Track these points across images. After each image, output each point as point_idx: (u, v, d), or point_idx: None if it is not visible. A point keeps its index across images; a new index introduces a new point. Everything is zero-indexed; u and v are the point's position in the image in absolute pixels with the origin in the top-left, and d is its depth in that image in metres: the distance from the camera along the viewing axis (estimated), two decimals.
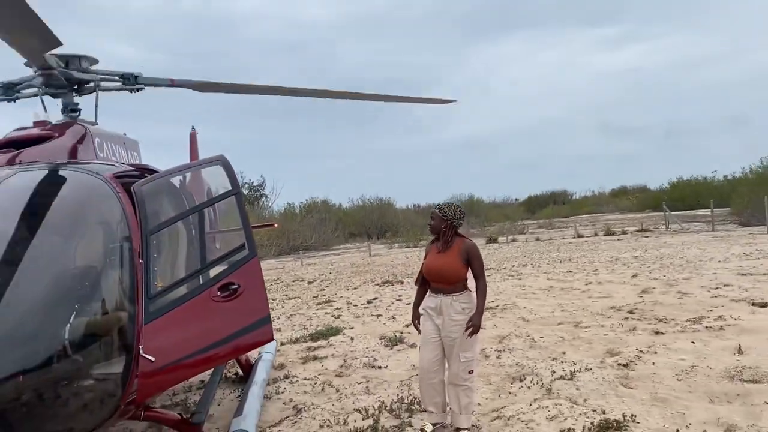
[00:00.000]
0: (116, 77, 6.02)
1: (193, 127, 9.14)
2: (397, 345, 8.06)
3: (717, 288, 10.20)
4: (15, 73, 6.07)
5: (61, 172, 4.09)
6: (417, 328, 4.88)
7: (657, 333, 7.52)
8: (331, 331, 9.29)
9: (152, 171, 5.12)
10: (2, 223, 3.51)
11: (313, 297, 13.96)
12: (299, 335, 9.24)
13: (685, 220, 32.26)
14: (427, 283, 4.82)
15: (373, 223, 49.01)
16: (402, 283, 15.27)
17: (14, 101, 6.08)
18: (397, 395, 5.79)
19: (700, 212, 37.37)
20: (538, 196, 71.53)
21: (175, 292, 3.92)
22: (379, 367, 7.00)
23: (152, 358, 3.58)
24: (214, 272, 4.11)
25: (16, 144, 4.72)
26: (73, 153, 4.90)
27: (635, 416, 4.71)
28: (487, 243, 29.25)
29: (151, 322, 3.67)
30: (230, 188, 4.37)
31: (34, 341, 3.15)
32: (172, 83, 6.11)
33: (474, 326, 4.50)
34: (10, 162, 4.35)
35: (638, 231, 28.21)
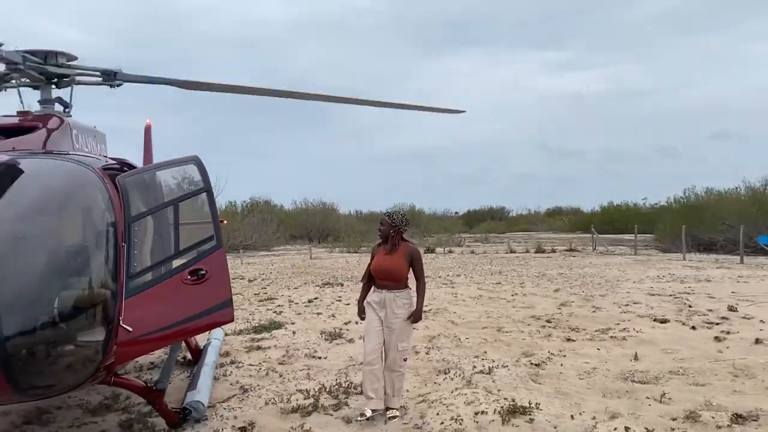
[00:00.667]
0: (97, 73, 6.42)
1: (148, 119, 9.55)
2: (336, 339, 8.71)
3: (627, 305, 11.31)
4: None
5: (55, 162, 4.58)
6: (362, 317, 5.50)
7: (569, 340, 8.45)
8: (273, 325, 9.86)
9: (130, 164, 5.64)
10: (1, 205, 3.98)
11: (255, 294, 14.43)
12: (242, 328, 9.76)
13: (612, 243, 34.21)
14: (372, 280, 5.47)
15: (315, 226, 49.31)
16: (342, 285, 15.92)
17: (4, 90, 6.38)
18: (336, 380, 6.46)
19: (627, 236, 39.49)
20: (477, 211, 73.48)
21: (152, 273, 4.49)
22: (319, 358, 7.65)
23: (130, 329, 4.13)
24: (185, 259, 4.68)
25: (4, 132, 5.15)
26: (54, 143, 5.37)
27: (539, 404, 5.52)
28: (425, 253, 30.22)
29: (130, 298, 4.22)
30: (202, 186, 4.96)
31: (30, 309, 3.65)
32: (151, 80, 6.56)
33: (415, 317, 5.33)
34: (5, 148, 4.79)
35: (567, 250, 29.78)
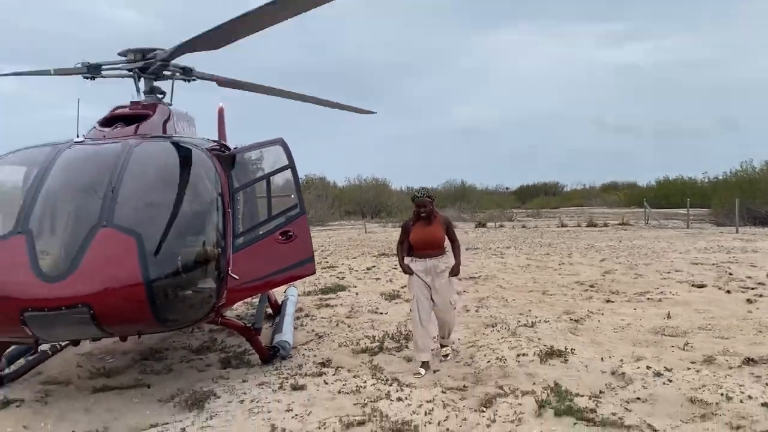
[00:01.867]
0: (179, 69, 7.45)
1: (220, 104, 10.65)
2: (394, 299, 9.73)
3: (669, 272, 11.90)
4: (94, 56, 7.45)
5: (176, 144, 5.67)
6: (410, 272, 6.02)
7: (608, 301, 9.21)
8: (338, 288, 10.96)
9: (226, 145, 6.72)
10: (138, 180, 5.06)
11: (317, 263, 15.56)
12: (311, 290, 10.89)
13: (666, 218, 34.05)
14: (411, 251, 6.07)
15: (368, 202, 50.44)
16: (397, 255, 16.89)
17: (92, 79, 7.48)
18: (397, 330, 7.46)
19: (682, 211, 39.13)
20: (529, 186, 73.19)
21: (252, 234, 5.56)
22: (381, 313, 8.68)
23: (236, 277, 5.21)
24: (276, 222, 5.74)
25: (125, 119, 6.27)
26: (164, 128, 6.48)
27: (574, 350, 6.36)
28: (476, 227, 30.98)
29: (236, 252, 5.31)
30: (287, 163, 5.99)
31: (167, 261, 4.72)
32: (217, 80, 7.61)
33: (454, 271, 6.04)
34: (130, 133, 5.91)
35: (619, 224, 29.97)
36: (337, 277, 12.61)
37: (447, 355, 6.29)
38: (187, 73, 7.54)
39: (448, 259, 6.02)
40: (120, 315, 4.42)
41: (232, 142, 9.26)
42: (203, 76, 7.73)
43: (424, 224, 5.93)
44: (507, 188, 71.86)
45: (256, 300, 8.74)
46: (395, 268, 13.94)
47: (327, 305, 9.41)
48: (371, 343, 6.88)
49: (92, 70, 7.15)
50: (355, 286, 11.29)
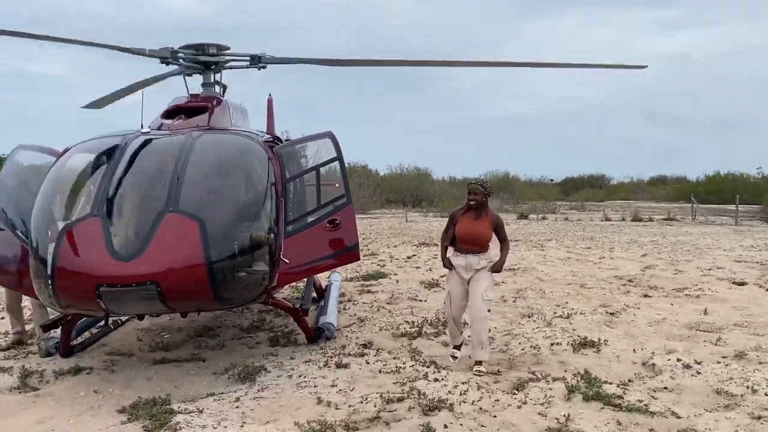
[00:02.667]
0: (246, 58, 7.84)
1: (269, 95, 11.08)
2: (434, 288, 10.06)
3: (710, 269, 11.88)
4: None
5: (234, 136, 6.09)
6: (447, 264, 5.89)
7: (645, 296, 9.33)
8: (379, 275, 11.33)
9: (278, 137, 7.12)
10: (200, 170, 5.48)
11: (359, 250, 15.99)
12: (352, 276, 11.28)
13: (714, 213, 33.33)
14: (454, 243, 5.82)
15: (409, 191, 50.60)
16: (437, 245, 17.15)
17: (167, 64, 7.86)
18: (435, 316, 7.78)
19: (731, 207, 38.27)
20: (574, 179, 72.17)
21: (302, 221, 5.96)
22: (420, 300, 9.01)
23: (287, 261, 5.61)
24: (324, 211, 6.12)
25: (185, 111, 6.72)
26: (220, 120, 6.91)
27: (607, 341, 6.57)
28: (518, 219, 30.97)
29: (287, 238, 5.71)
30: (335, 155, 6.34)
31: (224, 243, 5.13)
32: (291, 61, 7.90)
33: (497, 267, 5.75)
34: (192, 125, 6.35)
35: (664, 219, 29.52)
36: (378, 265, 12.98)
37: (480, 372, 5.55)
38: (256, 61, 7.83)
39: (490, 256, 5.78)
40: (183, 292, 4.86)
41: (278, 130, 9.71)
42: (277, 61, 7.96)
43: (473, 218, 5.70)
44: (551, 180, 71.07)
45: (299, 284, 9.19)
46: (435, 258, 14.24)
47: (368, 291, 9.79)
48: (410, 328, 7.22)
49: (173, 56, 7.48)
50: (396, 274, 11.64)
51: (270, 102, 11.00)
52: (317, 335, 6.61)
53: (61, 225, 5.02)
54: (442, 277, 11.13)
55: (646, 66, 8.46)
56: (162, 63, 7.65)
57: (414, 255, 14.84)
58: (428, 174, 56.55)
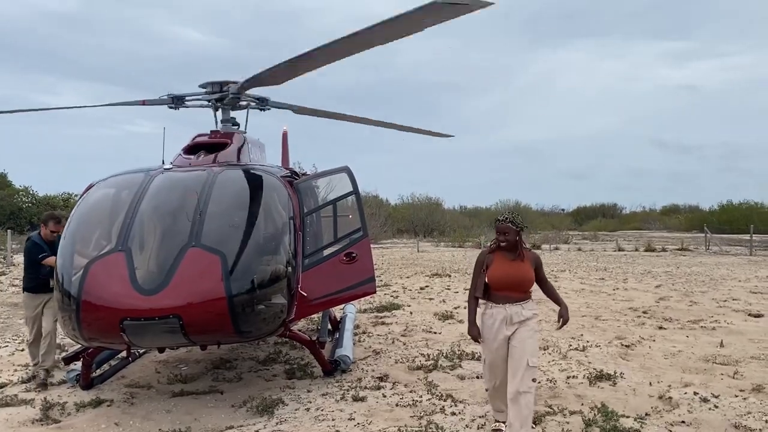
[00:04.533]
0: (254, 99, 8.07)
1: (284, 128, 11.32)
2: (448, 320, 10.07)
3: (726, 301, 11.83)
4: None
5: (254, 172, 6.25)
6: (478, 340, 4.75)
7: (661, 328, 9.31)
8: (393, 306, 11.38)
9: (296, 172, 7.29)
10: (221, 205, 5.63)
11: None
12: (366, 308, 11.33)
13: (728, 243, 33.15)
14: (487, 294, 4.71)
15: (421, 221, 50.78)
16: (450, 276, 17.24)
17: (176, 109, 8.18)
18: (451, 349, 7.80)
19: (746, 237, 38.07)
20: (586, 208, 72.13)
21: (320, 254, 6.06)
22: (435, 332, 9.04)
23: (305, 294, 5.71)
24: (341, 244, 6.23)
25: (206, 147, 6.90)
26: (241, 155, 7.08)
27: (623, 374, 6.57)
28: (530, 249, 30.91)
29: (305, 271, 5.81)
30: (352, 189, 6.48)
31: (245, 278, 5.24)
32: (292, 108, 8.19)
33: (565, 319, 4.79)
34: (213, 161, 6.52)
35: (678, 250, 29.38)
36: (392, 296, 13.03)
37: None
38: (263, 103, 8.13)
39: (533, 306, 4.71)
40: (205, 326, 4.96)
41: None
42: (279, 105, 8.31)
43: (508, 258, 4.65)
44: (563, 209, 71.05)
45: (314, 316, 9.26)
46: (448, 289, 14.28)
47: (383, 323, 9.83)
48: (426, 360, 7.25)
49: (176, 101, 7.84)
50: (409, 305, 11.68)
51: (285, 135, 11.23)
52: (333, 368, 6.66)
53: (86, 260, 5.15)
54: (456, 308, 11.17)
55: (453, 136, 10.16)
56: (170, 109, 7.89)
57: (427, 286, 14.88)
58: (439, 204, 56.81)
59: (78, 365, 6.39)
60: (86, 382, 6.33)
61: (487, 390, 4.95)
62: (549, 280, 4.98)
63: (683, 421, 5.12)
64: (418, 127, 10.07)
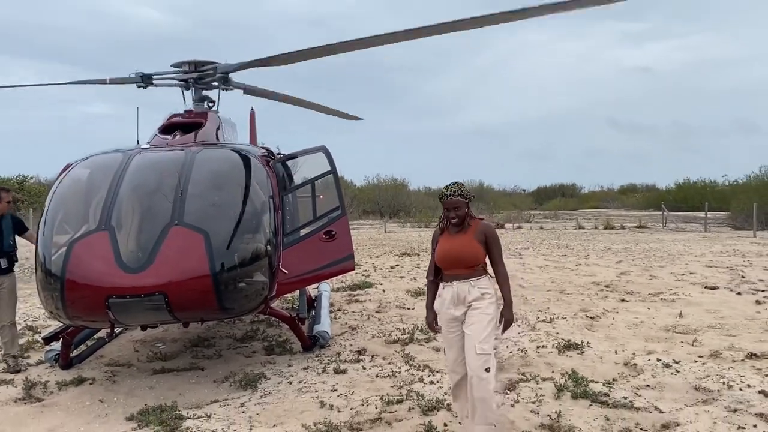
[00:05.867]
0: (209, 72, 7.92)
1: (252, 108, 11.30)
2: (420, 296, 10.29)
3: (683, 274, 12.35)
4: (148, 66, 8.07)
5: (232, 151, 6.30)
6: (434, 329, 4.45)
7: (623, 301, 9.71)
8: (365, 285, 11.56)
9: (271, 151, 7.35)
10: (201, 184, 5.68)
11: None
12: (339, 286, 11.48)
13: (684, 221, 34.26)
14: (439, 274, 4.29)
15: (386, 202, 50.98)
16: (418, 255, 17.50)
17: (144, 88, 8.10)
18: (424, 323, 8.01)
19: (701, 214, 39.34)
20: (546, 188, 73.48)
21: (298, 233, 6.18)
22: (408, 308, 9.26)
23: (286, 271, 5.82)
24: (320, 223, 6.35)
25: (181, 127, 6.91)
26: (216, 135, 7.11)
27: (590, 343, 6.89)
28: (483, 220, 31.48)
29: (286, 249, 5.92)
30: (329, 168, 6.59)
31: (228, 255, 5.32)
32: (240, 67, 8.08)
33: (507, 321, 4.20)
34: (190, 140, 6.53)
35: (636, 227, 30.29)
36: (363, 275, 13.20)
37: None
38: (226, 83, 8.09)
39: (489, 285, 4.19)
40: (190, 303, 5.04)
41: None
42: (238, 86, 8.26)
43: (454, 233, 4.20)
44: (524, 190, 72.15)
45: (288, 295, 9.37)
46: (418, 267, 14.53)
47: (356, 300, 10.01)
48: (402, 334, 7.46)
49: (145, 80, 7.76)
50: (381, 284, 11.88)
51: (252, 115, 11.22)
52: (312, 343, 6.81)
53: (69, 239, 5.16)
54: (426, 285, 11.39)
55: (363, 119, 10.37)
56: (138, 88, 7.81)
57: (397, 265, 15.09)
58: (405, 185, 57.05)
59: (57, 345, 6.40)
60: (66, 361, 6.35)
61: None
62: (505, 263, 4.32)
63: (648, 385, 5.44)
64: (330, 107, 10.16)
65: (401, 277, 12.89)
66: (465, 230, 4.19)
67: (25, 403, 5.45)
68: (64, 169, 6.08)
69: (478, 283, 4.12)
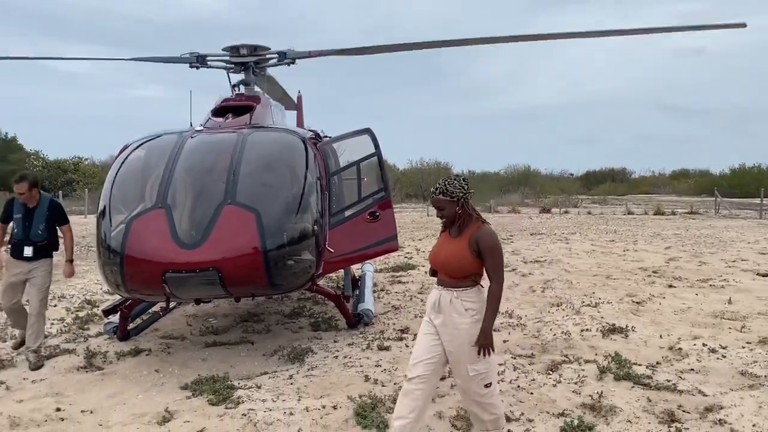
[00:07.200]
0: (274, 55, 8.15)
1: (299, 91, 11.48)
2: None
3: (734, 261, 12.06)
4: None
5: (282, 133, 6.48)
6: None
7: (670, 287, 9.57)
8: (408, 267, 11.70)
9: (317, 134, 7.51)
10: (253, 165, 5.86)
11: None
12: (382, 268, 11.65)
13: (739, 207, 33.15)
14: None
15: (429, 185, 50.73)
16: None
17: (197, 68, 8.32)
18: None
19: (757, 201, 38.01)
20: (595, 172, 71.99)
21: (344, 213, 6.33)
22: None
23: (332, 250, 5.98)
24: (365, 204, 6.49)
25: (233, 109, 7.11)
26: (266, 118, 7.29)
27: (634, 327, 6.86)
28: (540, 212, 31.16)
29: (332, 229, 6.07)
30: (374, 151, 6.71)
31: (278, 233, 5.49)
32: (310, 54, 8.23)
33: (481, 340, 3.49)
34: (242, 123, 6.73)
35: (687, 213, 29.51)
36: (406, 257, 13.34)
37: None
38: (282, 58, 8.17)
39: (478, 298, 3.59)
40: (242, 278, 5.25)
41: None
42: (301, 55, 8.32)
43: (454, 236, 3.70)
44: (571, 174, 70.91)
45: (332, 274, 9.58)
46: None
47: (399, 282, 10.15)
48: None
49: (200, 60, 7.98)
50: (423, 266, 11.97)
51: (299, 99, 11.40)
52: (357, 321, 6.98)
53: (128, 217, 5.42)
54: None
55: (745, 25, 7.21)
56: (191, 68, 8.04)
57: None
58: (448, 168, 56.78)
59: (115, 318, 6.74)
60: (123, 333, 6.68)
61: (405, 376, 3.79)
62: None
63: (692, 369, 5.41)
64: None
65: None
66: (462, 234, 3.64)
67: (87, 371, 5.77)
68: (122, 150, 6.36)
69: (463, 295, 3.56)
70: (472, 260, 3.54)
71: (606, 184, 63.41)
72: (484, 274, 3.61)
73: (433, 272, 3.83)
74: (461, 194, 3.59)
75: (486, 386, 3.58)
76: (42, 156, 46.95)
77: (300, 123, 11.20)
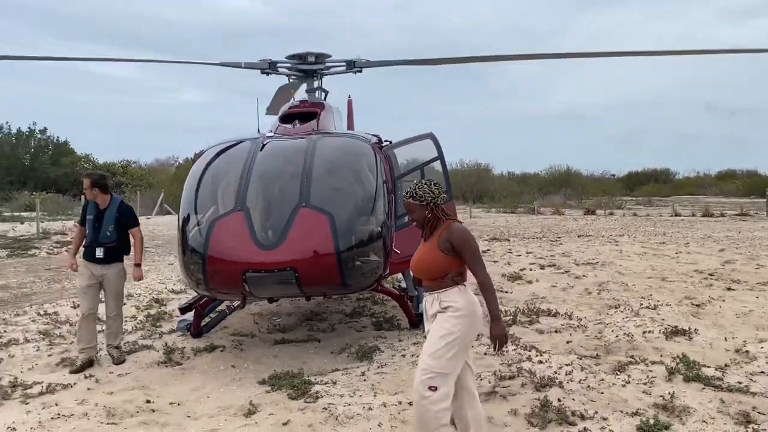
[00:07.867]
0: (342, 64, 8.44)
1: (349, 96, 11.71)
2: (517, 280, 10.45)
3: None
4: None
5: (349, 138, 6.71)
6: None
7: (729, 289, 9.47)
8: None
9: (381, 138, 7.71)
10: (323, 169, 6.09)
11: None
12: None
13: None
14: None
15: (469, 187, 50.78)
16: (508, 240, 17.56)
17: (267, 75, 8.59)
18: (525, 306, 8.20)
19: None
20: (638, 173, 70.58)
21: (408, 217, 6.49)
22: (507, 292, 9.44)
23: (398, 252, 6.16)
24: None
25: (299, 116, 7.37)
26: (330, 124, 7.53)
27: (697, 330, 6.85)
28: (584, 214, 30.85)
29: (398, 231, 6.25)
30: (437, 155, 6.87)
31: (349, 235, 5.70)
32: (385, 63, 8.48)
33: (494, 336, 3.69)
34: (309, 129, 6.98)
35: (737, 215, 28.84)
36: None
37: None
38: (351, 66, 8.42)
39: (458, 297, 3.68)
40: (316, 278, 5.48)
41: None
42: (369, 65, 8.57)
43: (426, 240, 3.83)
44: (613, 175, 69.75)
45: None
46: (510, 252, 14.62)
47: None
48: (504, 316, 7.65)
49: (272, 66, 8.27)
50: None
51: (350, 103, 11.64)
52: (419, 320, 7.14)
53: (209, 219, 5.70)
54: (522, 270, 11.53)
55: None
56: (263, 74, 8.34)
57: (488, 249, 15.24)
58: (488, 169, 56.62)
59: (189, 315, 7.05)
60: (197, 330, 6.99)
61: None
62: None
63: (763, 372, 5.41)
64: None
65: (494, 261, 13.04)
66: (432, 236, 3.76)
67: (167, 366, 6.08)
68: (198, 156, 6.67)
69: (442, 296, 3.66)
70: (442, 259, 3.64)
71: (649, 185, 62.11)
72: (469, 274, 3.71)
73: (419, 280, 3.88)
74: (430, 198, 3.73)
75: (430, 388, 3.46)
76: (92, 159, 48.48)
77: (350, 127, 11.45)
